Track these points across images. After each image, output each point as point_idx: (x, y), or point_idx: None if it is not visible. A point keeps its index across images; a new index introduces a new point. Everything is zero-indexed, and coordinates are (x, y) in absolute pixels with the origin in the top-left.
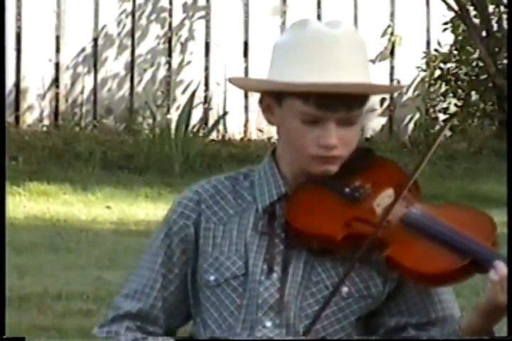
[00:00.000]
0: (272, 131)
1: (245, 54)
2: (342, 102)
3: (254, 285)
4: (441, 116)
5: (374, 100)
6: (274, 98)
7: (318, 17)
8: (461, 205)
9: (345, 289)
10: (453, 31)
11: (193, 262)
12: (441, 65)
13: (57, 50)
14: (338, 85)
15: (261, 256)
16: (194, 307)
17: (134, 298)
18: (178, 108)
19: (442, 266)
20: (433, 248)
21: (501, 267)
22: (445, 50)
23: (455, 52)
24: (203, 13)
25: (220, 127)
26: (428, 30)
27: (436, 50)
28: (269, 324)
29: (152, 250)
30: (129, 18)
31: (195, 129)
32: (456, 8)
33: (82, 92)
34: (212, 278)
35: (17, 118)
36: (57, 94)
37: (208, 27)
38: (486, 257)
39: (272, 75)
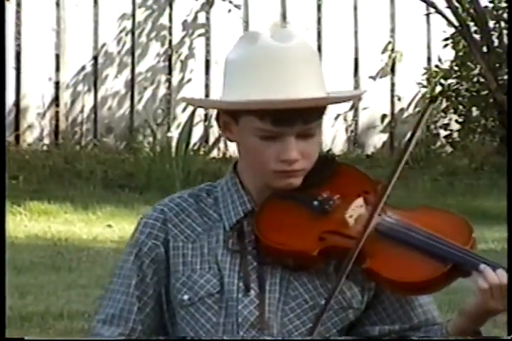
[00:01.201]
0: None
1: None
2: (298, 116)
3: (232, 303)
4: (442, 133)
5: (375, 117)
6: (230, 115)
7: (319, 33)
8: (434, 209)
9: (323, 302)
10: (453, 47)
11: (165, 282)
12: (442, 81)
13: (57, 69)
14: (293, 101)
15: (235, 274)
16: (171, 328)
17: (113, 323)
18: (178, 126)
19: (424, 275)
20: (412, 256)
21: (490, 274)
22: (446, 66)
23: (456, 68)
24: (202, 30)
25: (221, 145)
26: (429, 46)
27: (436, 66)
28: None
29: (124, 272)
30: (129, 36)
31: (195, 147)
32: (456, 24)
33: (82, 111)
34: (186, 297)
35: (17, 138)
36: (57, 113)
37: (207, 44)
38: (468, 262)
39: (225, 93)
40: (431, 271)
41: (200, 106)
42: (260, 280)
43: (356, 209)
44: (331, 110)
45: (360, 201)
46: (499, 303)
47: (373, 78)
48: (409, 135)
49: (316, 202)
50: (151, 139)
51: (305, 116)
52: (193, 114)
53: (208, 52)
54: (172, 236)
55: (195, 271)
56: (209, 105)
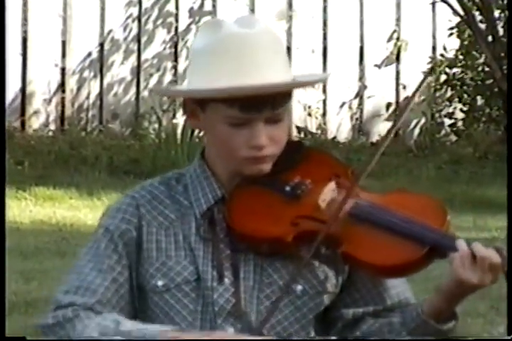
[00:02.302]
0: None
1: None
2: (266, 102)
3: (208, 292)
4: (447, 121)
5: (380, 105)
6: (197, 103)
7: (324, 22)
8: (409, 192)
9: (299, 287)
10: (459, 36)
11: (135, 266)
12: (447, 69)
13: (64, 55)
14: (262, 87)
15: (209, 262)
16: (141, 313)
17: (77, 293)
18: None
19: (402, 257)
20: (388, 239)
21: (462, 246)
22: (451, 55)
23: (461, 57)
24: (209, 17)
25: None
26: (434, 35)
27: (441, 55)
28: (231, 330)
29: (97, 252)
30: (136, 22)
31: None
32: (461, 13)
33: (88, 97)
34: (160, 283)
35: (23, 123)
36: (63, 99)
37: None
38: (445, 243)
39: (192, 81)
40: (409, 253)
41: (169, 96)
42: (234, 268)
43: (328, 193)
44: (336, 98)
45: (332, 185)
46: (472, 275)
47: (378, 66)
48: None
49: (287, 188)
50: (156, 126)
51: (273, 101)
52: None
53: None
54: (146, 221)
55: (170, 257)
56: (179, 94)
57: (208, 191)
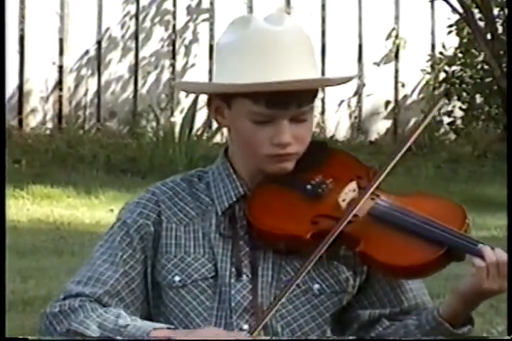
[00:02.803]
0: None
1: None
2: (292, 99)
3: (225, 288)
4: (446, 119)
5: (379, 103)
6: (223, 99)
7: (323, 19)
8: (429, 194)
9: (316, 286)
10: (458, 34)
11: (151, 261)
12: (446, 67)
13: (61, 53)
14: (287, 83)
15: (228, 259)
16: (155, 308)
17: (88, 284)
18: (182, 111)
19: (419, 258)
20: (406, 239)
21: (489, 253)
22: (450, 52)
23: (460, 55)
24: (206, 15)
25: (224, 130)
26: (433, 33)
27: (441, 52)
28: (246, 326)
29: (112, 245)
30: (133, 20)
31: (199, 132)
32: (461, 10)
33: (85, 95)
34: (177, 278)
35: (20, 121)
36: (60, 97)
37: (211, 29)
38: (464, 245)
39: (219, 76)
40: (426, 254)
41: (194, 92)
42: (253, 265)
43: (349, 193)
44: (335, 96)
45: (353, 185)
46: (494, 283)
47: (377, 64)
48: (416, 124)
49: (309, 186)
50: (154, 124)
51: (299, 99)
52: (196, 99)
53: (211, 37)
54: (165, 217)
55: (189, 253)
56: (204, 89)
57: (231, 188)
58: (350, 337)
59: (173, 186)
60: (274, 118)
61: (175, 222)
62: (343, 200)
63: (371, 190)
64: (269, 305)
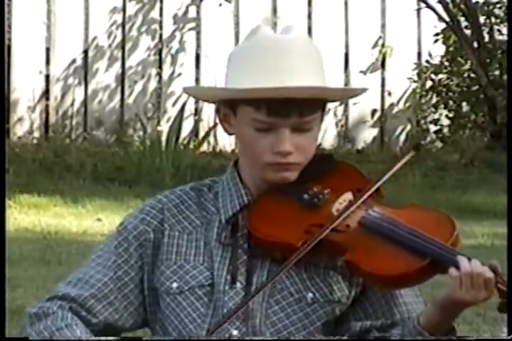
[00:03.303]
0: None
1: None
2: (293, 108)
3: (220, 295)
4: (433, 128)
5: (365, 111)
6: (230, 107)
7: (309, 29)
8: (422, 207)
9: (309, 295)
10: (444, 42)
11: (149, 268)
12: (433, 76)
13: (48, 62)
14: (283, 89)
15: (225, 267)
16: (152, 314)
17: (76, 285)
18: (168, 120)
19: (401, 268)
20: (392, 250)
21: (464, 263)
22: (436, 61)
23: (446, 63)
24: (193, 24)
25: (211, 139)
26: (419, 42)
27: (427, 61)
28: (235, 332)
29: (107, 249)
30: (120, 29)
31: (185, 141)
32: (447, 19)
33: (72, 104)
34: (174, 285)
35: (7, 131)
36: (47, 106)
37: (198, 39)
38: (446, 257)
39: (226, 84)
40: (408, 264)
41: (202, 99)
42: (248, 273)
43: (343, 203)
44: None
45: (348, 195)
46: (467, 294)
47: (364, 73)
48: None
49: (306, 196)
50: (141, 133)
51: (300, 107)
52: (183, 108)
53: (198, 46)
54: (169, 224)
55: (189, 261)
56: (209, 94)
57: (235, 197)
58: (344, 338)
59: (181, 194)
60: (275, 126)
61: (178, 230)
62: (337, 210)
63: (364, 198)
64: (238, 304)
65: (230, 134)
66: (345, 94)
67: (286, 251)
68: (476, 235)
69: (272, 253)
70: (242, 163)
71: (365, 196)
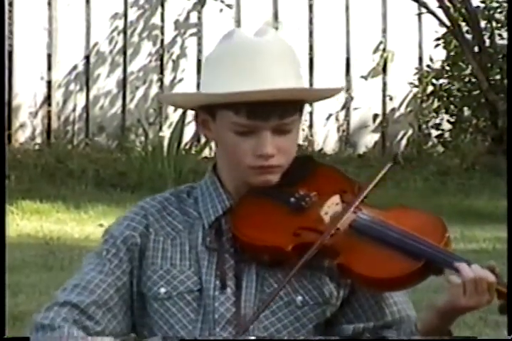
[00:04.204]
0: None
1: None
2: (273, 110)
3: (209, 301)
4: (434, 132)
5: (366, 116)
6: (208, 112)
7: (310, 33)
8: (411, 208)
9: (299, 298)
10: (445, 47)
11: (137, 272)
12: (434, 80)
13: (49, 68)
14: (264, 92)
15: (212, 272)
16: (139, 319)
17: (74, 291)
18: (170, 125)
19: (396, 271)
20: (385, 253)
21: (466, 270)
22: (437, 65)
23: (447, 68)
24: (194, 30)
25: (213, 144)
26: (420, 46)
27: (428, 65)
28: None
29: (98, 256)
30: (121, 35)
31: (187, 146)
32: (448, 23)
33: (74, 110)
34: (162, 290)
35: (9, 137)
36: (49, 112)
37: (199, 44)
38: (441, 259)
39: (203, 89)
40: (403, 267)
41: (174, 105)
42: (237, 278)
43: (332, 206)
44: (323, 110)
45: (336, 198)
46: (471, 300)
47: (365, 78)
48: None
49: (292, 199)
50: (143, 138)
51: (280, 109)
52: (184, 113)
53: (199, 51)
54: (154, 229)
55: (175, 266)
56: (184, 100)
57: (217, 201)
58: (337, 337)
59: (162, 200)
60: (256, 129)
61: (162, 235)
62: (326, 213)
63: (355, 204)
64: (252, 315)
65: (211, 140)
66: (323, 95)
67: (275, 255)
68: (478, 239)
69: (259, 257)
70: (221, 167)
71: (357, 202)
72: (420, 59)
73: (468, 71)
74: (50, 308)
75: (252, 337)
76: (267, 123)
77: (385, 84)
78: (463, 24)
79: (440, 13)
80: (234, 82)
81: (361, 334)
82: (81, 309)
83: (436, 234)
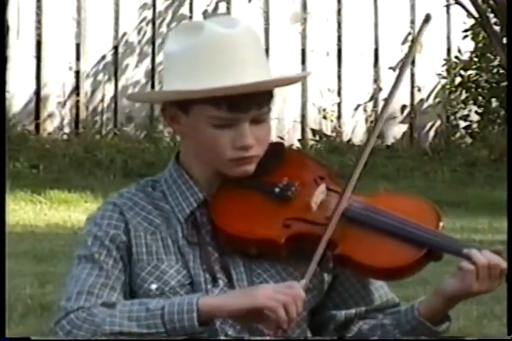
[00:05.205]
0: (293, 139)
1: None
2: (253, 101)
3: (202, 294)
4: (462, 123)
5: (394, 107)
6: (179, 107)
7: (339, 24)
8: (395, 193)
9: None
10: (473, 38)
11: (129, 269)
12: (462, 72)
13: (78, 58)
14: (252, 85)
15: (199, 266)
16: None
17: (80, 299)
18: None
19: (399, 260)
20: (386, 241)
21: (478, 256)
22: (465, 57)
23: (475, 59)
24: None
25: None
26: (448, 38)
27: (456, 57)
28: (230, 331)
29: (91, 259)
30: (150, 25)
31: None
32: (476, 15)
33: (102, 100)
34: (153, 286)
35: (37, 127)
36: (77, 102)
37: None
38: (447, 246)
39: (171, 84)
40: (406, 256)
41: (150, 102)
42: (225, 270)
43: (320, 195)
44: (351, 101)
45: (323, 187)
46: (483, 285)
47: (393, 69)
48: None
49: (277, 189)
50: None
51: (259, 100)
52: None
53: None
54: (132, 225)
55: (162, 261)
56: (166, 97)
57: (189, 194)
58: (346, 338)
59: (131, 197)
60: (235, 122)
61: (142, 230)
62: (315, 203)
63: (349, 192)
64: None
65: (179, 134)
66: (296, 81)
67: (267, 248)
68: (506, 230)
69: (247, 249)
70: (189, 159)
71: (349, 190)
72: (448, 50)
73: (496, 62)
74: (65, 317)
75: (252, 337)
76: (247, 115)
77: (413, 75)
78: (491, 16)
79: (468, 4)
80: (214, 77)
81: (353, 321)
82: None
83: (430, 218)
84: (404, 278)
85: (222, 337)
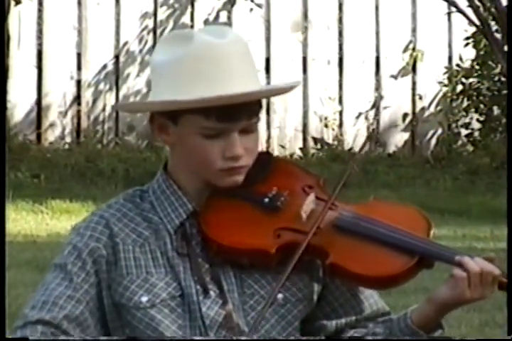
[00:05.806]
0: (294, 147)
1: (267, 70)
2: (243, 111)
3: (194, 306)
4: (464, 131)
5: (396, 115)
6: (168, 117)
7: (340, 33)
8: (385, 201)
9: (280, 296)
10: (475, 46)
11: (105, 284)
12: (463, 79)
13: (79, 68)
14: (244, 95)
15: (190, 277)
16: (118, 330)
17: (43, 308)
18: None
19: (391, 268)
20: (378, 249)
21: (470, 263)
22: (467, 65)
23: (477, 67)
24: None
25: None
26: (450, 46)
27: (458, 65)
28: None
29: (65, 269)
30: (151, 34)
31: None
32: (477, 22)
33: (103, 109)
34: (144, 298)
35: (39, 136)
36: (78, 112)
37: None
38: (437, 254)
39: (160, 94)
40: (398, 264)
41: (140, 112)
42: (216, 281)
43: (309, 204)
44: (353, 109)
45: (312, 197)
46: (476, 292)
47: (394, 77)
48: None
49: (266, 199)
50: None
51: (248, 110)
52: None
53: None
54: (120, 239)
55: (151, 273)
56: (153, 107)
57: (178, 205)
58: (345, 337)
59: (120, 208)
60: (225, 132)
61: (130, 243)
62: (305, 212)
63: (332, 200)
64: (256, 317)
65: (168, 144)
66: (286, 91)
67: (258, 258)
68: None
69: (238, 260)
70: (178, 170)
71: (333, 198)
72: (450, 58)
73: (497, 70)
74: (24, 327)
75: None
76: (237, 125)
77: (414, 83)
78: (492, 23)
79: (470, 12)
80: (202, 87)
81: (343, 331)
82: (55, 325)
83: (421, 226)
84: (397, 287)
85: (214, 331)
